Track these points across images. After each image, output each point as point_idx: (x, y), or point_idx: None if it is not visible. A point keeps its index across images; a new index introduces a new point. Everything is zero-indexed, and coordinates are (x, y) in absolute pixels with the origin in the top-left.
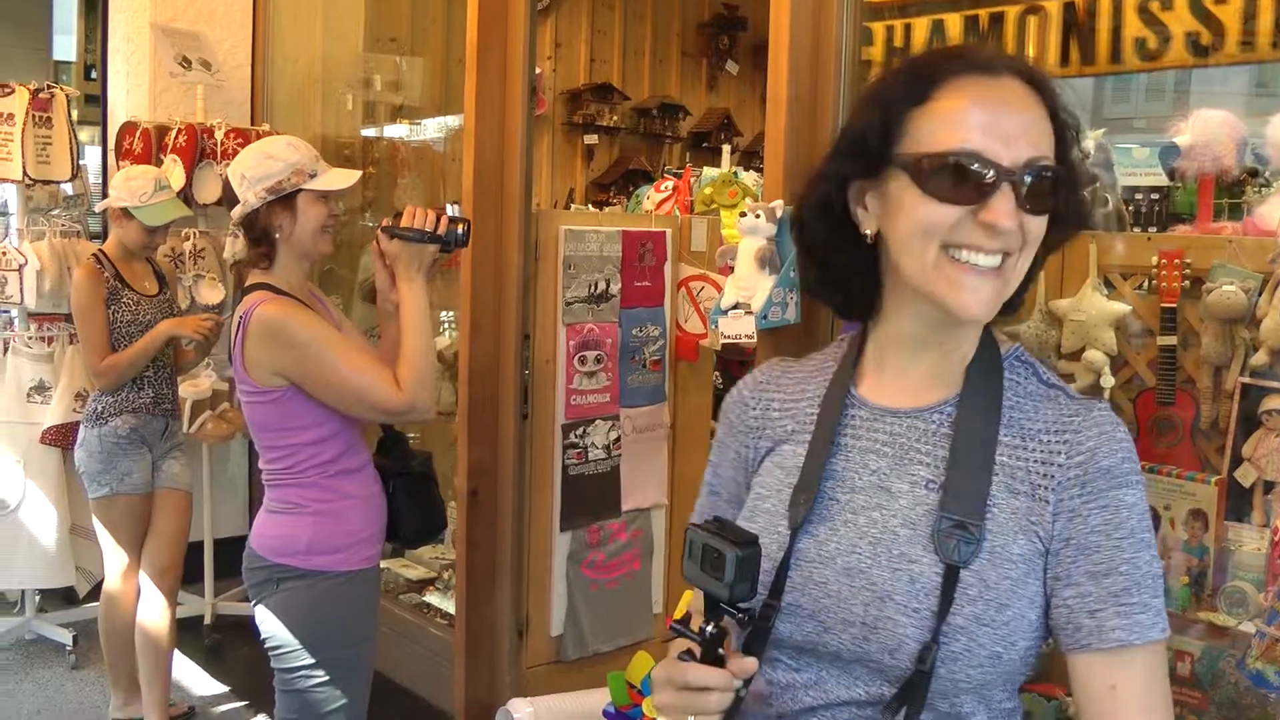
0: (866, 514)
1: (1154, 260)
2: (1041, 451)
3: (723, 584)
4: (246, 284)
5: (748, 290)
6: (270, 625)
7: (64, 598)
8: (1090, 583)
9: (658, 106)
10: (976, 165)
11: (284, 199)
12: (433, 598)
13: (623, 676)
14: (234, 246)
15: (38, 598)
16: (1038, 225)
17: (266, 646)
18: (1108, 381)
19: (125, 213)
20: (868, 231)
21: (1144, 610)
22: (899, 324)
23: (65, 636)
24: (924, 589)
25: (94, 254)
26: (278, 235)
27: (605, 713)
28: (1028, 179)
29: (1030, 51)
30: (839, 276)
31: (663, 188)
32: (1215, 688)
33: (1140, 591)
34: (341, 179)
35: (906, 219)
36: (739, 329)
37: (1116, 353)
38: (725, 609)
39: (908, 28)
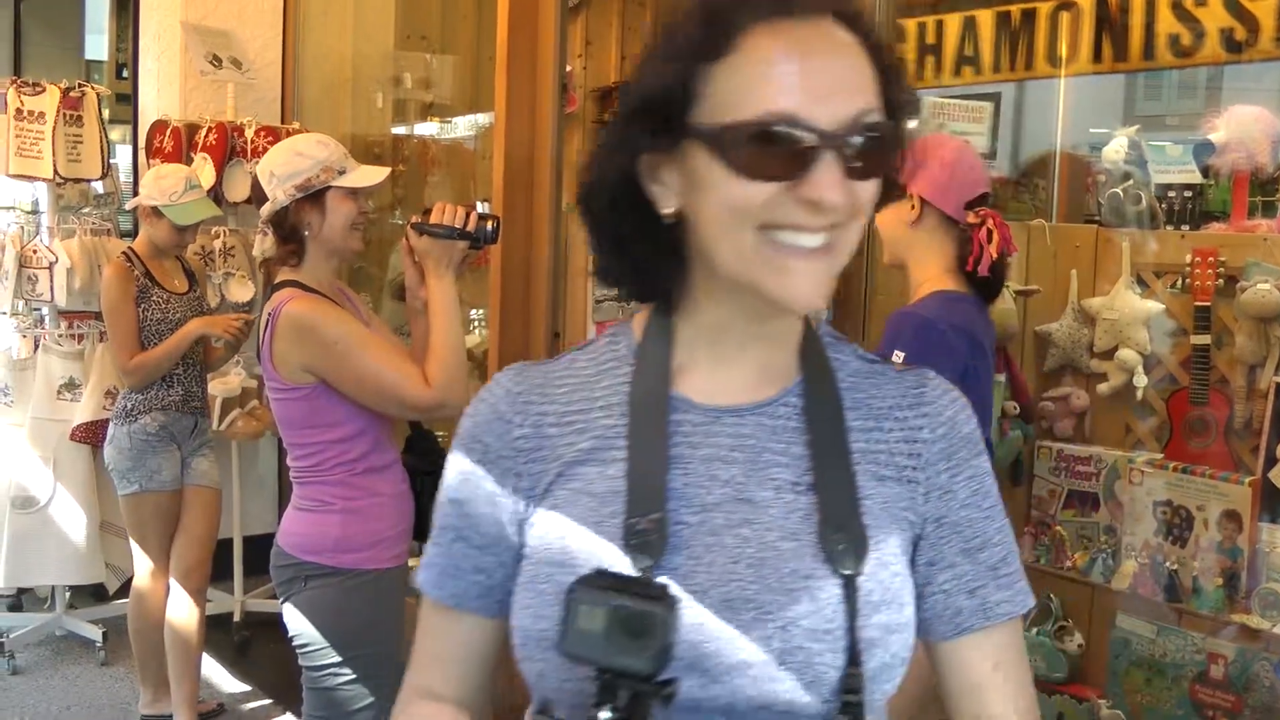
0: (733, 532)
1: (1187, 258)
2: (902, 429)
3: (646, 654)
4: (275, 281)
5: None
6: (298, 623)
7: (94, 594)
8: (966, 561)
9: None
10: (791, 132)
11: (313, 196)
12: None
13: None
14: (263, 244)
15: (68, 594)
16: (869, 191)
17: (294, 644)
18: (1141, 381)
19: (155, 211)
20: (667, 210)
21: (1019, 577)
22: (716, 315)
23: (95, 633)
24: (829, 606)
25: (124, 252)
26: (306, 233)
27: None
28: (855, 141)
29: (1063, 49)
30: (638, 265)
31: None
32: (1249, 691)
33: (1012, 558)
34: (370, 176)
35: (713, 199)
36: None
37: (1150, 352)
38: (643, 688)
39: (939, 24)
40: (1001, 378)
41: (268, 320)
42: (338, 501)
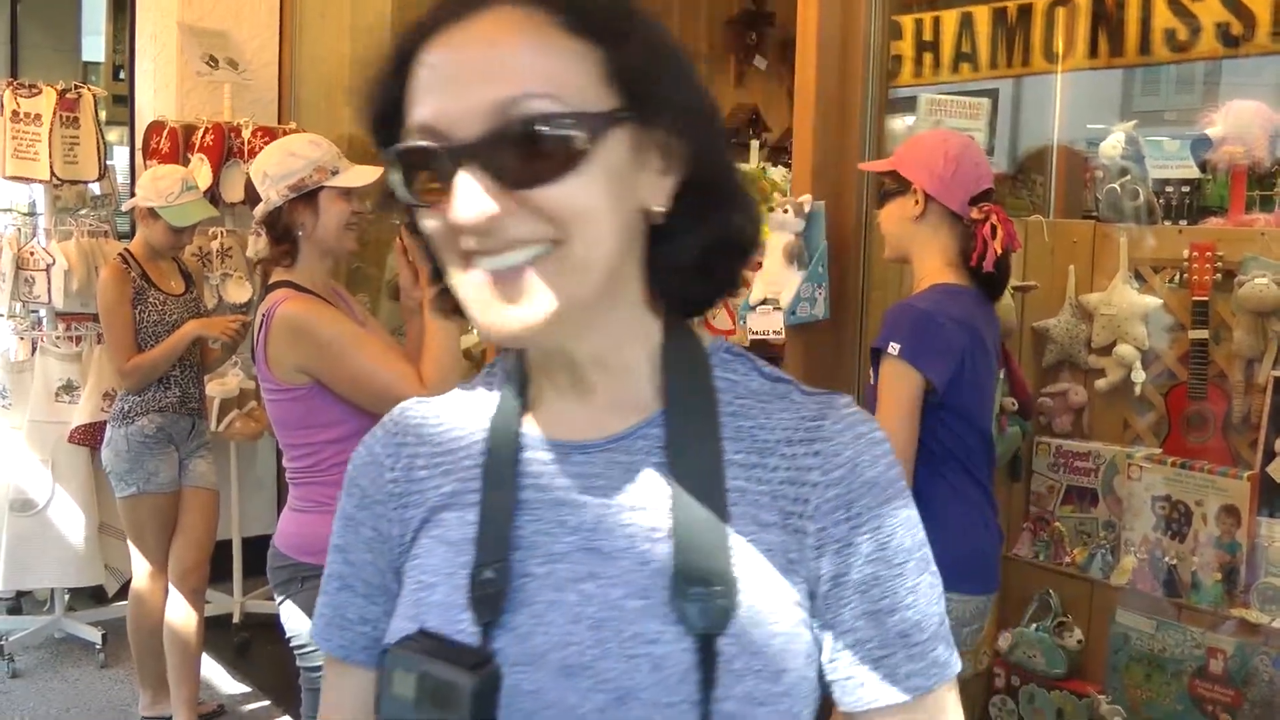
0: (576, 588)
1: (1185, 253)
2: (788, 469)
3: None
4: (270, 282)
5: (776, 286)
6: (294, 623)
7: (93, 597)
8: (871, 626)
9: None
10: (425, 146)
11: (306, 196)
12: None
13: None
14: (256, 244)
15: (67, 597)
16: (565, 193)
17: (291, 644)
18: (1139, 376)
19: (152, 213)
20: None
21: (936, 644)
22: None
23: (94, 635)
24: (674, 675)
25: (120, 253)
26: (300, 233)
27: None
28: (499, 143)
29: (1060, 44)
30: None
31: None
32: (1249, 686)
33: (930, 623)
34: (363, 176)
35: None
36: (767, 325)
37: (1148, 347)
38: None
39: (936, 21)
40: (1000, 374)
41: (262, 321)
42: (333, 502)
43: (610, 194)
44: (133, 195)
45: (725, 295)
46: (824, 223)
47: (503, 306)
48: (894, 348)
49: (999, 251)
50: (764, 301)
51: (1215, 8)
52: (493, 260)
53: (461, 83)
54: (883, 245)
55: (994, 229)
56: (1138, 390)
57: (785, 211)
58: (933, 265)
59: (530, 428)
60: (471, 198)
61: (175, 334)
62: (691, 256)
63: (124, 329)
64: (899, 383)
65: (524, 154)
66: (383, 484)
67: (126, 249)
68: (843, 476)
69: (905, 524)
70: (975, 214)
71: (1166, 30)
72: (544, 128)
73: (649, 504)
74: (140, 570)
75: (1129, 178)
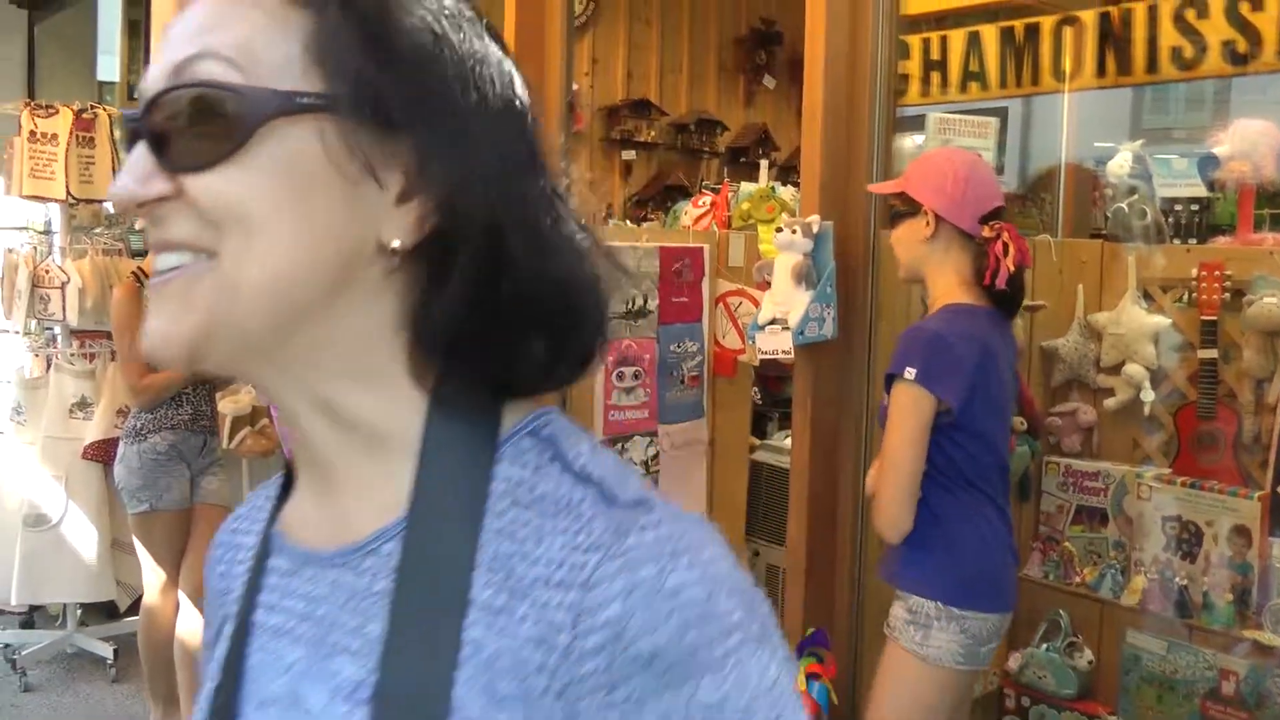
0: None
1: (1194, 272)
2: (537, 623)
3: None
4: None
5: (784, 305)
6: None
7: (105, 612)
8: None
9: (695, 122)
10: (126, 118)
11: None
12: None
13: None
14: None
15: (79, 612)
16: (218, 185)
17: None
18: (1148, 396)
19: None
20: None
21: None
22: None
23: (106, 650)
24: None
25: (133, 271)
26: None
27: None
28: (164, 111)
29: (1067, 63)
30: None
31: (700, 203)
32: (1261, 708)
33: None
34: None
35: None
36: (776, 344)
37: (1157, 366)
38: None
39: (944, 40)
40: None
41: None
42: None
43: (290, 202)
44: None
45: (557, 383)
46: (832, 243)
47: (151, 317)
48: (910, 372)
49: (1011, 269)
50: (773, 321)
51: (1222, 26)
52: (161, 258)
53: (165, 43)
54: (893, 265)
55: (1005, 247)
56: (1146, 410)
57: (793, 232)
58: (946, 286)
59: (281, 528)
60: (125, 174)
61: None
62: (459, 321)
63: (136, 347)
64: (912, 407)
65: (183, 127)
66: (213, 579)
67: (139, 267)
68: (602, 644)
69: (710, 708)
70: (986, 232)
71: (1173, 48)
72: (207, 94)
73: (361, 649)
74: (152, 586)
75: (1136, 197)
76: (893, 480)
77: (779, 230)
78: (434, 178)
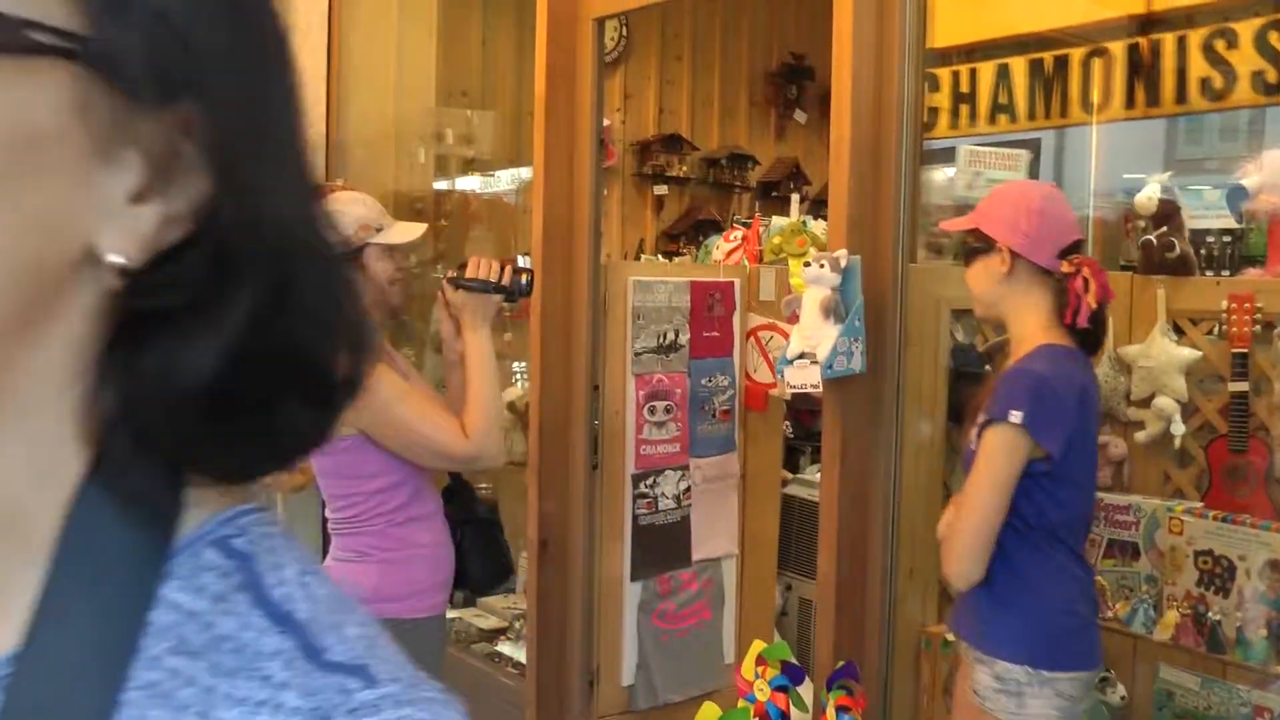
0: None
1: (1224, 305)
2: None
3: None
4: None
5: (813, 340)
6: None
7: None
8: None
9: (727, 156)
10: None
11: (351, 254)
12: (504, 647)
13: None
14: None
15: None
16: None
17: None
18: (1178, 429)
19: None
20: None
21: None
22: None
23: None
24: None
25: None
26: None
27: None
28: None
29: (1095, 95)
30: None
31: (732, 237)
32: None
33: None
34: (407, 233)
35: None
36: (805, 379)
37: (1187, 399)
38: None
39: (973, 73)
40: None
41: None
42: (376, 552)
43: None
44: None
45: (278, 463)
46: (860, 277)
47: None
48: (1015, 416)
49: (1093, 306)
50: (801, 355)
51: (1251, 56)
52: None
53: None
54: (922, 298)
55: (1086, 282)
56: (1177, 443)
57: (821, 266)
58: (1031, 326)
59: None
60: None
61: None
62: (196, 376)
63: None
64: (1008, 452)
65: None
66: None
67: None
68: None
69: None
70: (1065, 268)
71: (1202, 79)
72: None
73: None
74: None
75: (1165, 229)
76: (971, 526)
77: (806, 265)
78: (197, 181)
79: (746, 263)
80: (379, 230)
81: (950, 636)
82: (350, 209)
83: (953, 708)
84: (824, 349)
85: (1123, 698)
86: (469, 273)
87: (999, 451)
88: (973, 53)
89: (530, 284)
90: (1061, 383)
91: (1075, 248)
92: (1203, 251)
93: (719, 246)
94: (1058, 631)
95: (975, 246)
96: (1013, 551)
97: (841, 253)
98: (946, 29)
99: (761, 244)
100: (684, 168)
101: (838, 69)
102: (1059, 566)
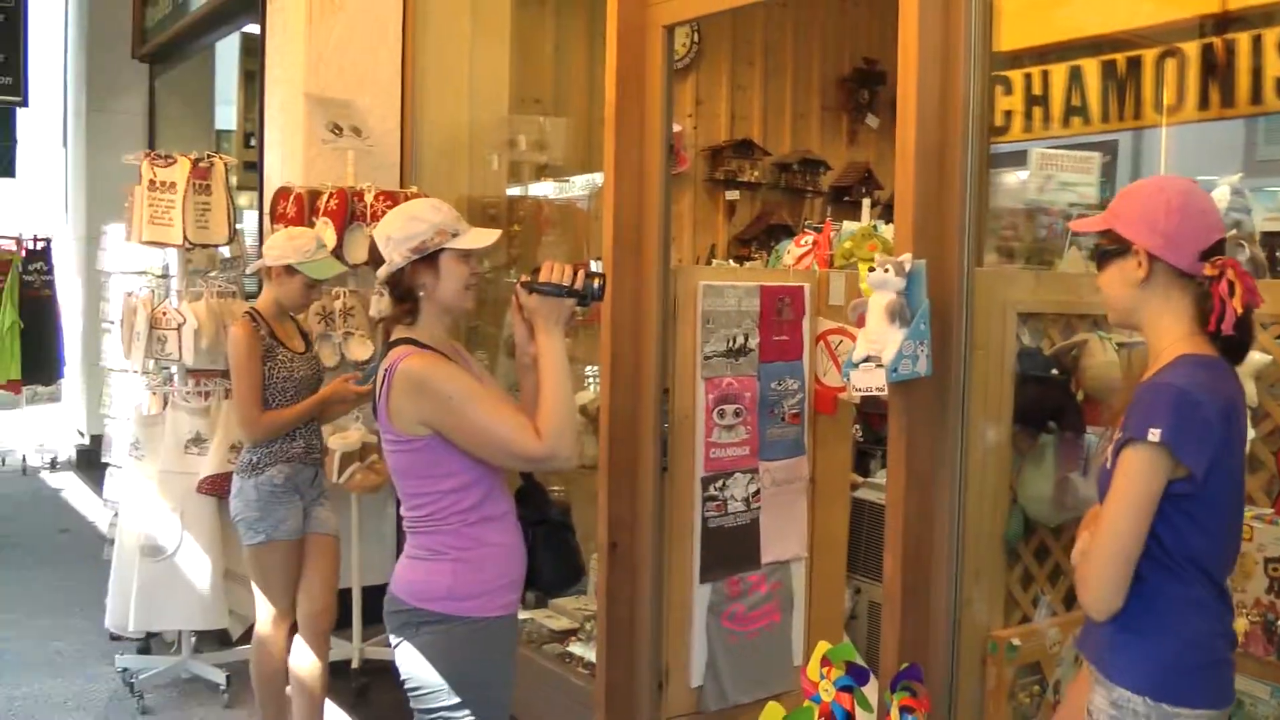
0: None
1: None
2: None
3: None
4: (391, 339)
5: (878, 343)
6: (409, 667)
7: (218, 639)
8: None
9: (798, 161)
10: None
11: (427, 258)
12: (575, 648)
13: None
14: (379, 304)
15: (194, 639)
16: None
17: (406, 688)
18: (1249, 434)
19: (288, 270)
20: None
21: None
22: None
23: (219, 676)
24: None
25: (248, 312)
26: (422, 293)
27: None
28: None
29: (1168, 96)
30: None
31: (803, 242)
32: None
33: None
34: (482, 238)
35: None
36: (870, 381)
37: (1257, 404)
38: None
39: (1045, 75)
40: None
41: (384, 376)
42: (450, 551)
43: None
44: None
45: None
46: (925, 281)
47: None
48: (1153, 434)
49: (1239, 311)
50: (867, 359)
51: None
52: None
53: None
54: (988, 301)
55: (1231, 286)
56: (1246, 449)
57: (886, 270)
58: (1172, 334)
59: None
60: None
61: (315, 396)
62: None
63: (253, 384)
64: (1147, 472)
65: None
66: None
67: (253, 308)
68: None
69: None
70: (1208, 270)
71: (1278, 79)
72: None
73: None
74: (264, 616)
75: (1235, 231)
76: (1109, 554)
77: (872, 269)
78: None
79: (816, 267)
80: (454, 235)
81: (1017, 642)
82: (428, 215)
83: (1058, 711)
84: (889, 352)
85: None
86: (542, 277)
87: (1138, 473)
88: (1045, 55)
89: (603, 288)
90: (1205, 395)
91: (1218, 248)
92: (1278, 254)
93: (790, 251)
94: (1185, 666)
95: (1109, 249)
96: (1147, 577)
97: (906, 257)
98: (1017, 32)
99: (832, 249)
100: (755, 173)
101: (903, 74)
102: (1196, 600)
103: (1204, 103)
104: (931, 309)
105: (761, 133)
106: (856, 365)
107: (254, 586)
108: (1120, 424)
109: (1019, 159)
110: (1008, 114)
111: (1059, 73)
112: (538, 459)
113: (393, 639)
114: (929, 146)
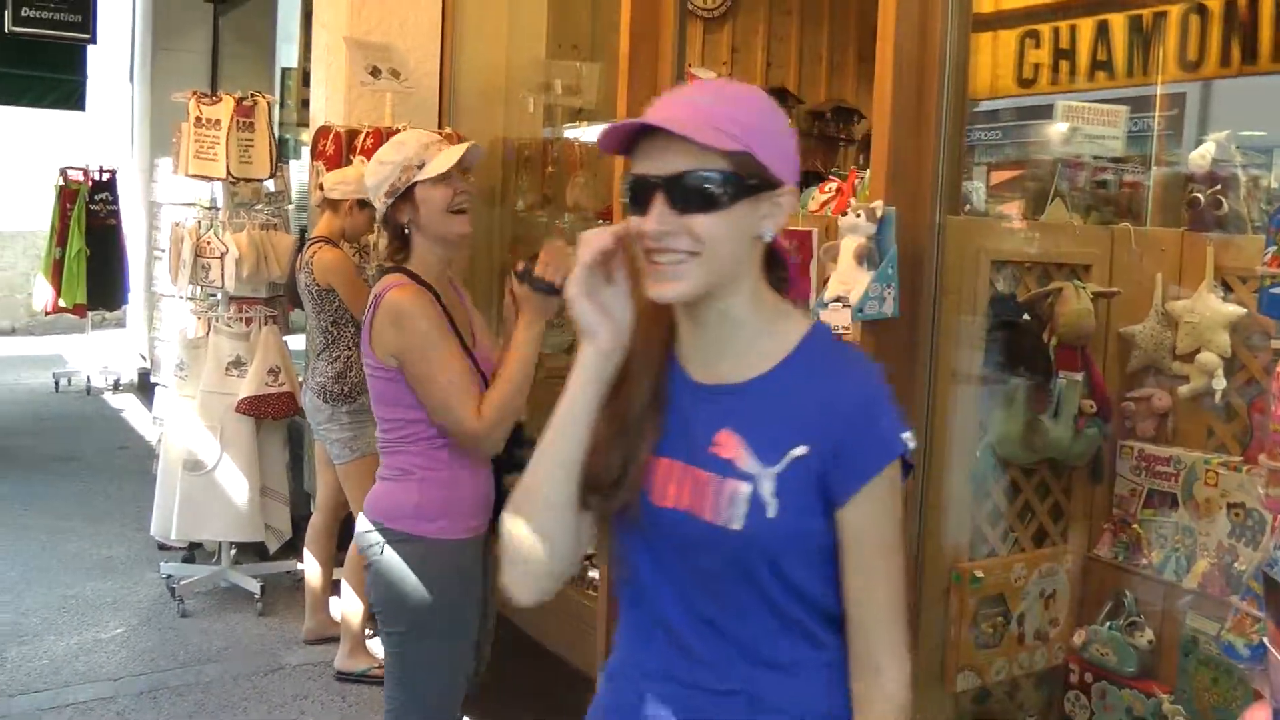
0: None
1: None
2: None
3: None
4: (387, 267)
5: (847, 285)
6: (377, 586)
7: (257, 552)
8: None
9: (832, 110)
10: None
11: (403, 195)
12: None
13: None
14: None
15: (233, 551)
16: None
17: (373, 608)
18: (1220, 384)
19: (360, 203)
20: None
21: None
22: None
23: (255, 586)
24: None
25: (319, 237)
26: (409, 230)
27: None
28: None
29: (1191, 52)
30: None
31: (827, 189)
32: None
33: None
34: (448, 159)
35: None
36: (836, 320)
37: (1230, 355)
38: None
39: (1073, 29)
40: (1079, 376)
41: (372, 301)
42: (417, 470)
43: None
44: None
45: None
46: (894, 227)
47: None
48: None
49: None
50: (836, 299)
51: None
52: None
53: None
54: (958, 249)
55: None
56: (1218, 397)
57: (858, 215)
58: None
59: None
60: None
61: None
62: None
63: (363, 293)
64: None
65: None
66: None
67: (320, 234)
68: None
69: None
70: None
71: None
72: None
73: None
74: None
75: (1218, 186)
76: None
77: (843, 214)
78: None
79: (829, 214)
80: (420, 167)
81: (980, 574)
82: (390, 156)
83: None
84: (856, 293)
85: (1150, 641)
86: (539, 268)
87: None
88: (1070, 8)
89: None
90: None
91: None
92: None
93: (814, 198)
94: None
95: None
96: None
97: (877, 203)
98: None
99: (855, 195)
100: (790, 121)
101: (881, 31)
102: None
103: (1225, 60)
104: (903, 255)
105: (797, 82)
106: (826, 305)
107: (351, 501)
108: None
109: (1046, 111)
110: (1036, 66)
111: (1086, 26)
112: (466, 434)
113: (365, 559)
114: (905, 101)
